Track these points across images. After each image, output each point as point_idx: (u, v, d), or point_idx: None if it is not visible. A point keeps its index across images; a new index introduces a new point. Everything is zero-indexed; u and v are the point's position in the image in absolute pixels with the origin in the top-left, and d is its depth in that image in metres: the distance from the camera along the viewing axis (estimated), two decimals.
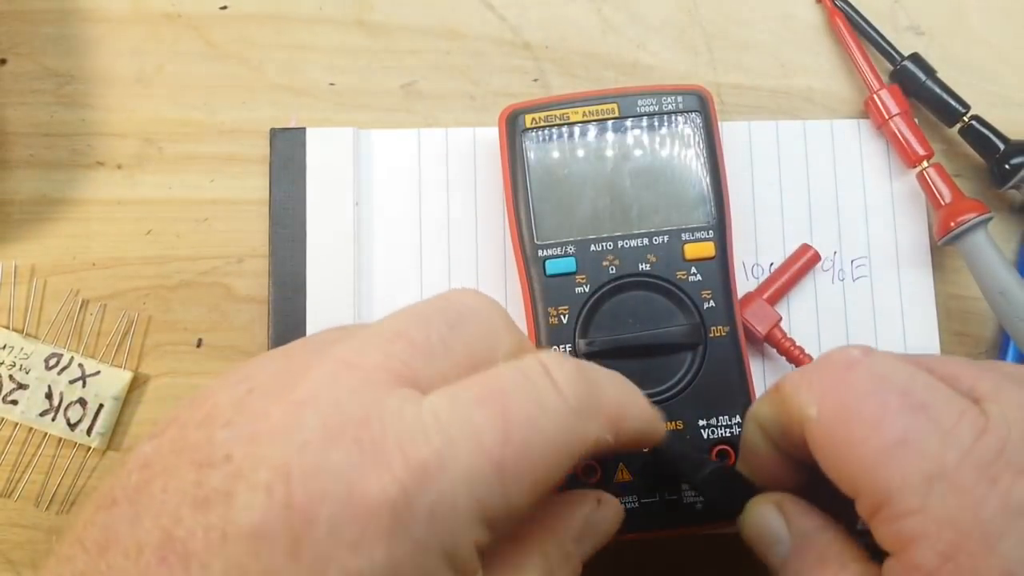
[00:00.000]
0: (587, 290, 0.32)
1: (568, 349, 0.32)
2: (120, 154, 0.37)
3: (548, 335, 0.32)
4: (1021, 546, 0.20)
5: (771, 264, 0.36)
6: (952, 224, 0.34)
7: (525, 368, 0.22)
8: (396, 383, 0.21)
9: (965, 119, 0.36)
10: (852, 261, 0.36)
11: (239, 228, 0.36)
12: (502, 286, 0.36)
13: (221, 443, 0.20)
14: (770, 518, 0.26)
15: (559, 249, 0.32)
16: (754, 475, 0.27)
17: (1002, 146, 0.35)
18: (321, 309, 0.35)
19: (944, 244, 0.35)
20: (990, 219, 0.34)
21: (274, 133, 0.36)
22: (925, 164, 0.36)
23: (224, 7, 0.38)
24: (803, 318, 0.36)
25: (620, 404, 0.24)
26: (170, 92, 0.37)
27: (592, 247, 0.32)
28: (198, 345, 0.36)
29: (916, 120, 0.36)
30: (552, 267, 0.32)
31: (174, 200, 0.36)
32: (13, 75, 0.37)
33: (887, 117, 0.36)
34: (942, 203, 0.35)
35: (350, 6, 0.38)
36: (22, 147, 0.37)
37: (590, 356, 0.31)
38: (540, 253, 0.32)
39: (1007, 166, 0.35)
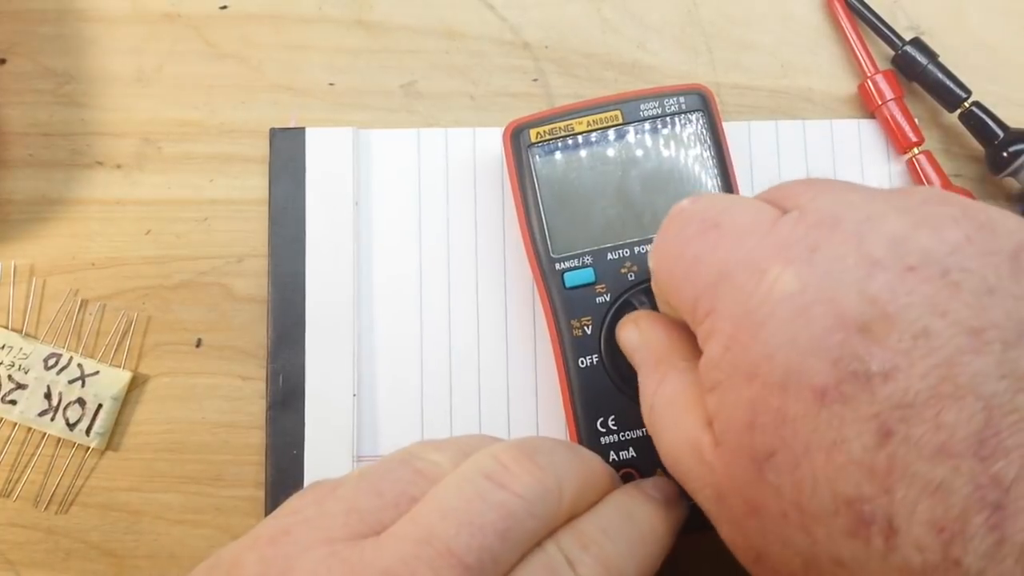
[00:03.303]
0: (608, 299, 0.32)
1: (595, 360, 0.32)
2: (119, 154, 0.37)
3: (573, 347, 0.32)
4: (781, 331, 0.21)
5: None
6: None
7: None
8: None
9: (966, 104, 0.36)
10: None
11: (238, 228, 0.36)
12: (501, 287, 0.36)
13: None
14: (628, 331, 0.30)
15: (576, 261, 0.32)
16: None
17: (1001, 133, 0.35)
18: (321, 309, 0.35)
19: None
20: None
21: (274, 133, 0.36)
22: (916, 151, 0.36)
23: (224, 7, 0.38)
24: None
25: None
26: (169, 92, 0.37)
27: (609, 255, 0.32)
28: (197, 345, 0.36)
29: (914, 110, 0.36)
30: (571, 279, 0.32)
31: (173, 200, 0.36)
32: (12, 75, 0.37)
33: (880, 102, 0.36)
34: None
35: (350, 6, 0.38)
36: (21, 147, 0.37)
37: (617, 366, 0.31)
38: (557, 266, 0.32)
39: (1005, 153, 0.35)
